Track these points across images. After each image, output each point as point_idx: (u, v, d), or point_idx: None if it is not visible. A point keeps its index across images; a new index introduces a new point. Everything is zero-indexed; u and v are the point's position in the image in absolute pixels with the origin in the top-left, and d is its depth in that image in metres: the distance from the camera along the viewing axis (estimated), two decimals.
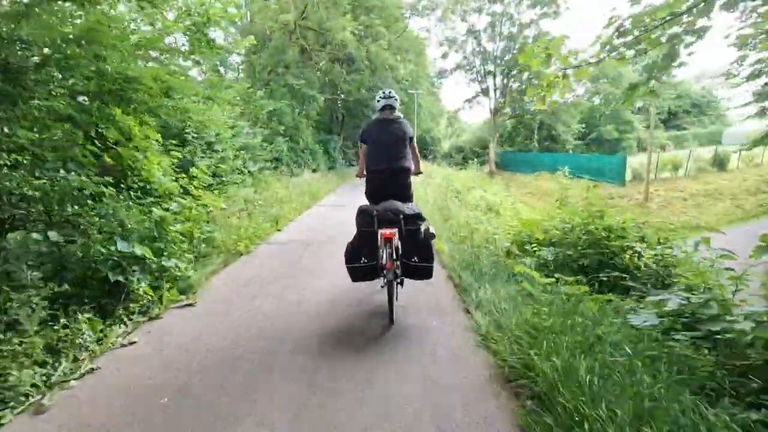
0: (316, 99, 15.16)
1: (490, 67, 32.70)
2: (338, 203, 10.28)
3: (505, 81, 32.78)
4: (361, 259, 2.92)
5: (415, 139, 3.51)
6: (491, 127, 34.10)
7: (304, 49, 17.23)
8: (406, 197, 3.29)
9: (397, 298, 3.07)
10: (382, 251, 2.89)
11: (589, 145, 35.66)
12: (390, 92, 3.47)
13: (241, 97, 11.06)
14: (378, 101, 3.44)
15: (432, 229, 3.07)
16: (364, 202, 3.37)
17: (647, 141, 19.74)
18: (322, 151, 18.99)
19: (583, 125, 34.75)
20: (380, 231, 2.87)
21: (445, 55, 33.94)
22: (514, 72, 31.65)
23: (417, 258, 2.90)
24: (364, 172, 3.45)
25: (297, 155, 15.00)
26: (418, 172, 3.54)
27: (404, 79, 22.82)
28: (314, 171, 16.51)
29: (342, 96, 21.10)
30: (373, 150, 3.33)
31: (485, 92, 33.72)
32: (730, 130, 39.72)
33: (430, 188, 11.06)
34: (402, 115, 3.47)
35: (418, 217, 2.93)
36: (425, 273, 2.96)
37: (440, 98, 42.85)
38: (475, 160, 29.39)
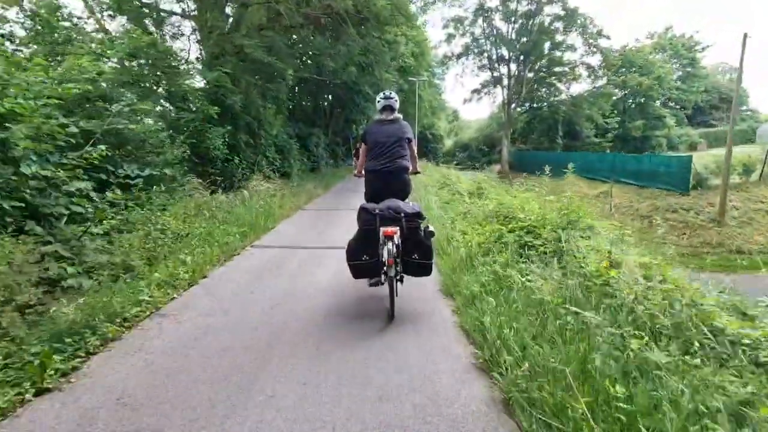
0: (284, 74, 10.54)
1: (504, 52, 28.15)
2: (303, 240, 5.57)
3: (521, 68, 28.22)
4: (363, 257, 2.97)
5: (414, 141, 3.56)
6: (503, 121, 29.59)
7: (277, 12, 12.57)
8: (405, 195, 3.39)
9: (397, 294, 3.02)
10: (383, 248, 2.87)
11: (613, 142, 31.35)
12: (390, 93, 3.58)
13: (137, 51, 6.42)
14: (378, 101, 3.57)
15: (431, 228, 3.11)
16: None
17: (728, 133, 15.34)
18: (299, 148, 14.33)
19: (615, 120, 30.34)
20: (382, 229, 2.89)
21: (449, 38, 29.31)
22: (531, 57, 27.15)
23: (417, 255, 2.99)
24: (363, 171, 3.54)
25: (257, 151, 10.33)
26: (415, 172, 3.63)
27: (403, 57, 18.22)
28: (284, 175, 11.85)
29: (329, 81, 16.51)
30: (374, 150, 3.39)
31: (497, 81, 29.19)
32: (765, 126, 35.85)
33: (456, 215, 6.00)
34: (401, 116, 3.55)
35: (418, 216, 2.99)
36: (425, 270, 3.07)
37: (442, 90, 38.28)
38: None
